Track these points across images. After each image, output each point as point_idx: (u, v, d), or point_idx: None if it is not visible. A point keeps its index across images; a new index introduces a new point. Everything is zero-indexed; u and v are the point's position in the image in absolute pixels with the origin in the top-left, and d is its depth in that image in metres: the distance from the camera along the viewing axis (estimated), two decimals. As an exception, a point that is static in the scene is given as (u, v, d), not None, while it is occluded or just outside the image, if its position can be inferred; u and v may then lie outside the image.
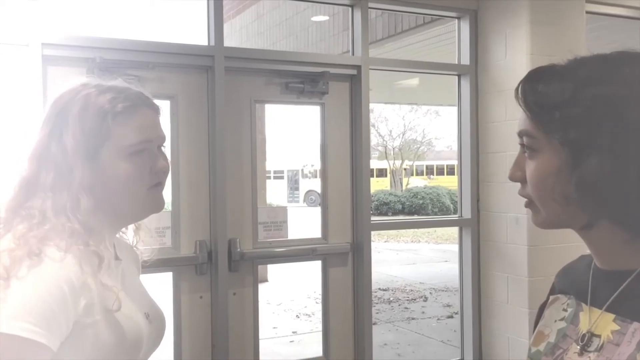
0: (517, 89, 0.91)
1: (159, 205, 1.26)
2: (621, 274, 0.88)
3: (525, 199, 0.95)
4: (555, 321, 1.00)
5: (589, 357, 0.89)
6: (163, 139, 1.27)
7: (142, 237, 1.37)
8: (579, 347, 0.91)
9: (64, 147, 1.15)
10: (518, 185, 0.92)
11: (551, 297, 1.06)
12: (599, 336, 0.89)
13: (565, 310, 1.00)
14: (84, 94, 1.18)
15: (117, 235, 1.33)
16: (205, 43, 3.05)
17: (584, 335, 0.92)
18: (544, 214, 0.92)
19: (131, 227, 1.36)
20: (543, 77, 0.90)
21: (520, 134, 0.92)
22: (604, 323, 0.89)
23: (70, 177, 1.14)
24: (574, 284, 1.01)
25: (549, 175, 0.87)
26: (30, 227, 1.10)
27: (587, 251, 0.97)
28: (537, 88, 0.89)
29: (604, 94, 0.83)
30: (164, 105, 2.95)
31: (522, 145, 0.92)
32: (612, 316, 0.88)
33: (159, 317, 1.30)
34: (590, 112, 0.83)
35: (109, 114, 1.16)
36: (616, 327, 0.87)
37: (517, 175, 0.94)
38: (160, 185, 1.25)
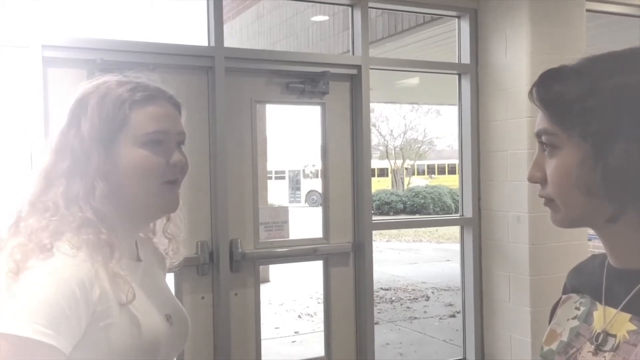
0: (531, 91, 0.91)
1: (172, 203, 1.23)
2: (637, 273, 0.88)
3: (544, 199, 0.94)
4: (568, 320, 0.99)
5: (604, 356, 0.88)
6: (182, 135, 1.25)
7: (173, 247, 1.38)
8: (593, 346, 0.91)
9: (82, 135, 1.14)
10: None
11: (563, 296, 1.06)
12: (614, 336, 0.88)
13: (577, 309, 0.99)
14: (105, 87, 1.19)
15: (142, 236, 1.32)
16: (206, 44, 3.05)
17: (598, 334, 0.91)
18: (564, 212, 0.91)
19: (162, 237, 1.36)
20: (557, 76, 0.90)
21: (539, 134, 0.92)
22: (619, 323, 0.88)
23: (86, 164, 1.13)
24: (587, 283, 1.00)
25: (572, 168, 0.87)
26: (41, 220, 1.09)
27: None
28: (551, 87, 0.89)
29: (624, 83, 0.84)
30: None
31: (541, 144, 0.92)
32: (628, 316, 0.88)
33: (181, 321, 1.29)
34: (611, 101, 0.83)
35: (127, 101, 1.16)
36: (633, 327, 0.86)
37: (537, 176, 0.93)
38: (175, 183, 1.22)
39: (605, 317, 0.91)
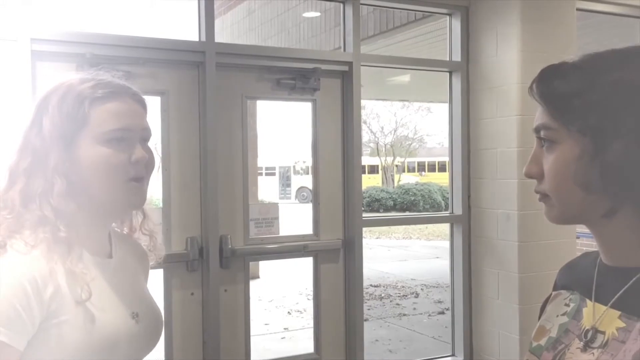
0: (531, 87, 0.92)
1: (137, 200, 1.21)
2: (629, 271, 0.88)
3: (539, 194, 0.93)
4: (557, 316, 1.00)
5: (593, 353, 0.88)
6: (146, 130, 1.23)
7: (155, 243, 1.36)
8: (582, 342, 0.91)
9: (43, 134, 1.14)
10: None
11: (553, 293, 1.06)
12: (603, 332, 0.88)
13: (567, 305, 0.99)
14: (66, 85, 1.18)
15: (124, 232, 1.33)
16: (196, 39, 3.03)
17: (587, 331, 0.91)
18: (559, 208, 0.91)
19: (140, 234, 1.35)
20: (557, 72, 0.90)
21: (538, 129, 0.91)
22: (608, 319, 0.89)
23: (46, 162, 1.13)
24: (578, 279, 1.00)
25: (570, 163, 0.87)
26: (1, 218, 1.09)
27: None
28: (552, 83, 0.89)
29: (624, 79, 0.84)
30: (155, 101, 2.94)
31: (540, 139, 0.92)
32: (617, 313, 0.88)
33: (151, 319, 1.27)
34: (611, 97, 0.83)
35: (87, 99, 1.16)
36: (622, 324, 0.86)
37: (534, 171, 0.92)
38: (141, 179, 1.20)
39: (594, 313, 0.92)
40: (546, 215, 0.94)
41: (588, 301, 0.94)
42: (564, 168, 0.88)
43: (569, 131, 0.87)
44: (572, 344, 0.93)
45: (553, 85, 0.89)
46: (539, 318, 1.06)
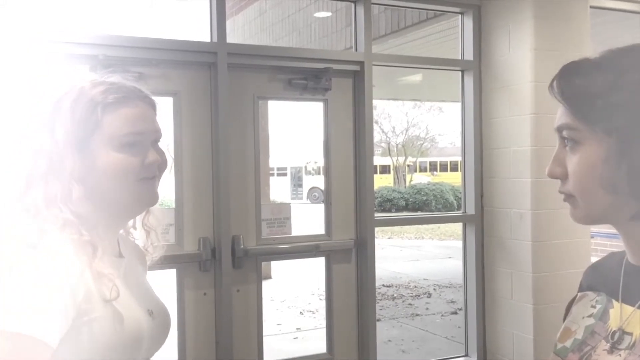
0: (551, 85, 0.89)
1: (150, 199, 1.24)
2: None
3: (564, 194, 0.91)
4: (583, 318, 0.98)
5: (620, 354, 0.87)
6: (157, 132, 1.25)
7: (152, 241, 1.37)
8: (608, 344, 0.90)
9: (56, 138, 1.15)
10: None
11: (579, 294, 1.04)
12: (630, 334, 0.87)
13: (593, 307, 0.98)
14: (78, 88, 1.19)
15: (122, 232, 1.34)
16: (208, 39, 3.05)
17: (614, 332, 0.90)
18: (585, 209, 0.89)
19: (141, 230, 1.36)
20: (578, 70, 0.88)
21: (560, 129, 0.89)
22: (636, 320, 0.87)
23: (61, 168, 1.14)
24: (604, 280, 0.99)
25: (596, 164, 0.85)
26: (25, 220, 1.11)
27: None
28: (573, 81, 0.87)
29: None
30: (167, 102, 2.96)
31: (562, 139, 0.90)
32: None
33: (163, 315, 1.30)
34: (636, 96, 0.81)
35: (99, 105, 1.17)
36: None
37: (557, 171, 0.90)
38: (152, 179, 1.23)
39: (621, 314, 0.90)
40: (572, 215, 0.92)
41: (615, 302, 0.93)
42: (590, 170, 0.85)
43: (594, 131, 0.85)
44: (598, 345, 0.92)
45: (575, 84, 0.87)
46: (564, 319, 1.04)
